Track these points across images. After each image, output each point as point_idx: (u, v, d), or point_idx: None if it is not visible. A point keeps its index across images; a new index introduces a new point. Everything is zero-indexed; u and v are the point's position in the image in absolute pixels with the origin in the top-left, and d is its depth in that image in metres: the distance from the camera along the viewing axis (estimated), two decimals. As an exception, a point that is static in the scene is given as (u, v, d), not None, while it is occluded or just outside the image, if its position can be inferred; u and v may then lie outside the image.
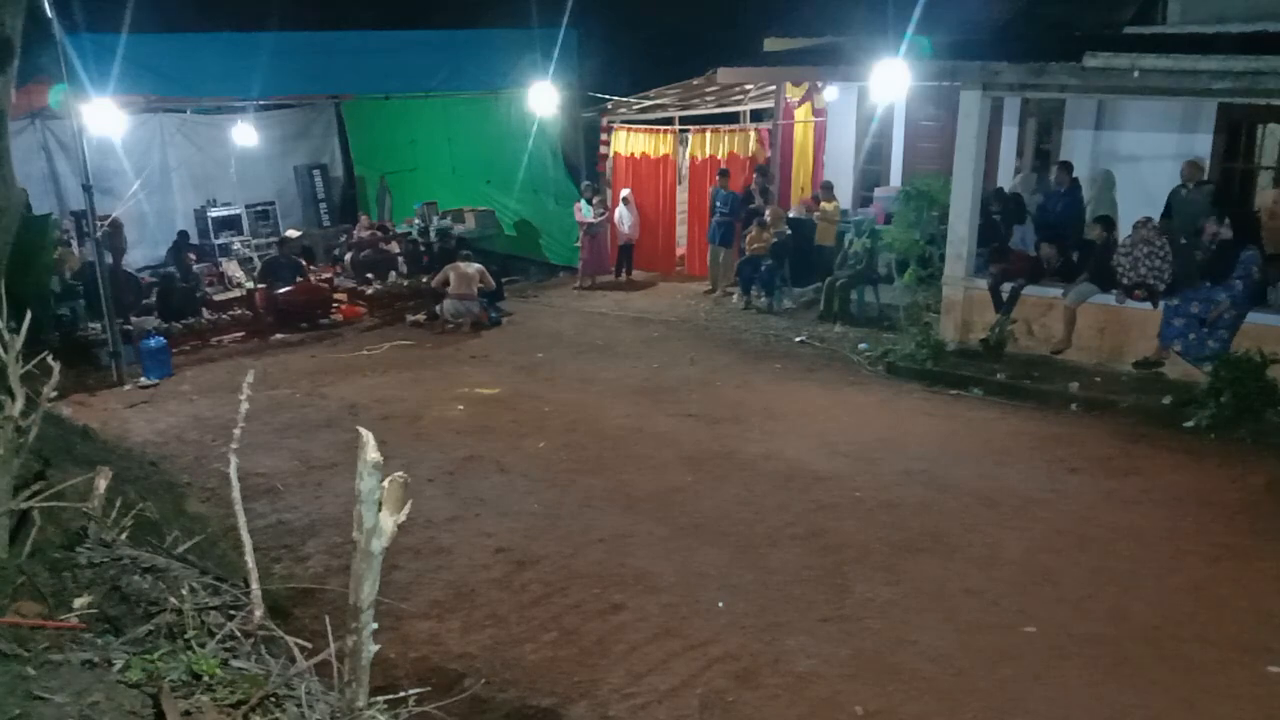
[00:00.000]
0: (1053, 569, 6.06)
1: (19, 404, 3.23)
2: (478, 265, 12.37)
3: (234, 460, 3.16)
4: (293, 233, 14.13)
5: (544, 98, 13.07)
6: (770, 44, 13.47)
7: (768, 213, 12.56)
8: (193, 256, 12.81)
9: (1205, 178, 10.27)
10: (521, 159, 14.53)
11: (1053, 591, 5.81)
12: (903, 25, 9.94)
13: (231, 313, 12.09)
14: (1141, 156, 10.96)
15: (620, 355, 10.92)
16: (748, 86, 14.29)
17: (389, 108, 14.75)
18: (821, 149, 14.59)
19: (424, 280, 12.96)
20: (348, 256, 14.28)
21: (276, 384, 9.97)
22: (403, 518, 2.67)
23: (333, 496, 7.26)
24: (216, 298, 12.37)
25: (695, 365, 10.44)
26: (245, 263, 13.73)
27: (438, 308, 12.36)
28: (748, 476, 7.52)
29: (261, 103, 14.02)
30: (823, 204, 12.99)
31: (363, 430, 2.66)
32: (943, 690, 4.90)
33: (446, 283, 12.18)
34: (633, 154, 14.54)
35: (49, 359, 3.70)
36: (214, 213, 14.57)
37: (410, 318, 12.64)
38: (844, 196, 13.79)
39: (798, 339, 11.33)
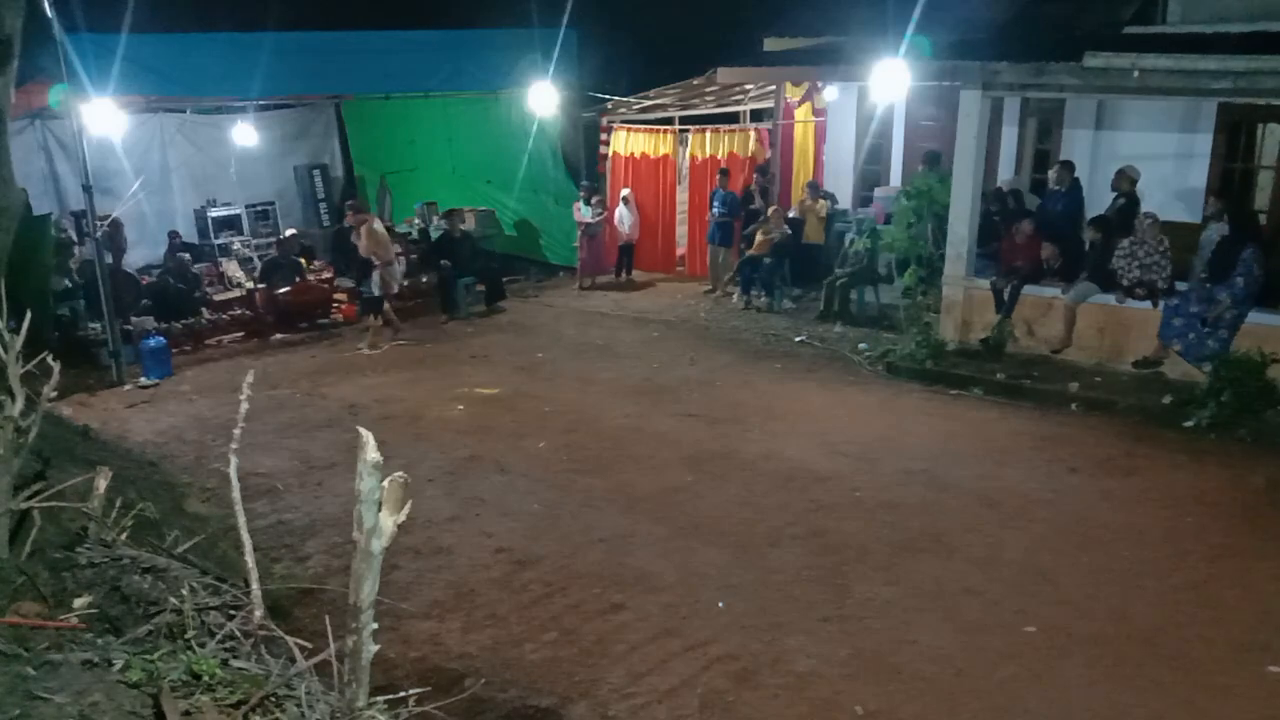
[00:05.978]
0: (1053, 569, 6.06)
1: (19, 404, 3.23)
2: (375, 224, 11.68)
3: (234, 460, 3.16)
4: (290, 232, 14.13)
5: (544, 98, 13.07)
6: (770, 44, 13.45)
7: (770, 213, 12.56)
8: (187, 257, 12.77)
9: (1133, 188, 10.30)
10: (521, 159, 14.53)
11: (1053, 591, 5.81)
12: (903, 25, 9.91)
13: (231, 313, 12.10)
14: (1141, 156, 10.95)
15: (620, 355, 10.92)
16: (748, 86, 14.28)
17: (389, 108, 14.74)
18: (821, 149, 14.58)
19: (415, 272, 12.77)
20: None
21: (276, 384, 9.98)
22: (403, 518, 2.67)
23: (333, 496, 7.26)
24: (216, 298, 12.36)
25: (695, 365, 10.43)
26: (245, 263, 13.72)
27: (373, 285, 11.51)
28: (748, 476, 7.52)
29: (261, 103, 14.01)
30: (805, 202, 13.03)
31: (363, 430, 2.66)
32: (943, 690, 4.90)
33: (375, 251, 11.32)
34: (632, 154, 14.54)
35: (49, 359, 3.70)
36: (214, 213, 14.55)
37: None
38: (844, 196, 13.79)
39: (798, 339, 11.33)
